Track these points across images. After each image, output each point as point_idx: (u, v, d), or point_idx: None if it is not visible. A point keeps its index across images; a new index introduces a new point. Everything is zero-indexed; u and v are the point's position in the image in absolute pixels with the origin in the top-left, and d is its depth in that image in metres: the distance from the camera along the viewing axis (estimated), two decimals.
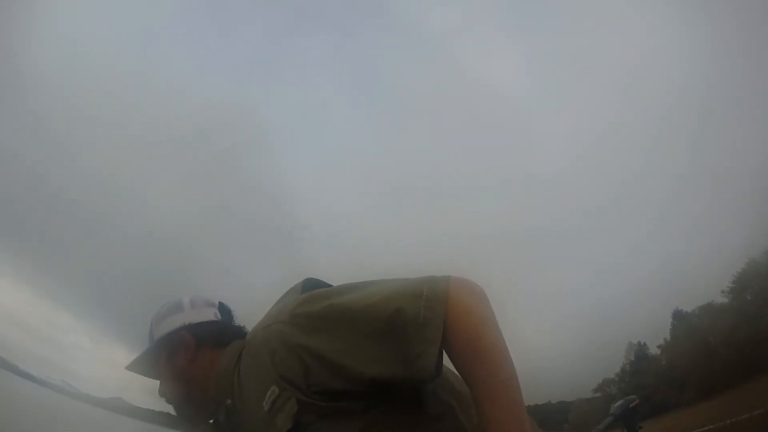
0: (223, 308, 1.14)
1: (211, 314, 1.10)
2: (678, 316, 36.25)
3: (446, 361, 0.81)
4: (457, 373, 0.82)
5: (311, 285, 0.95)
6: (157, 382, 1.09)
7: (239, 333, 1.08)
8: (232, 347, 0.99)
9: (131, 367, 1.11)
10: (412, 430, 0.81)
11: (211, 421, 1.01)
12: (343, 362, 0.78)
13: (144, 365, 1.10)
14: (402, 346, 0.76)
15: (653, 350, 38.12)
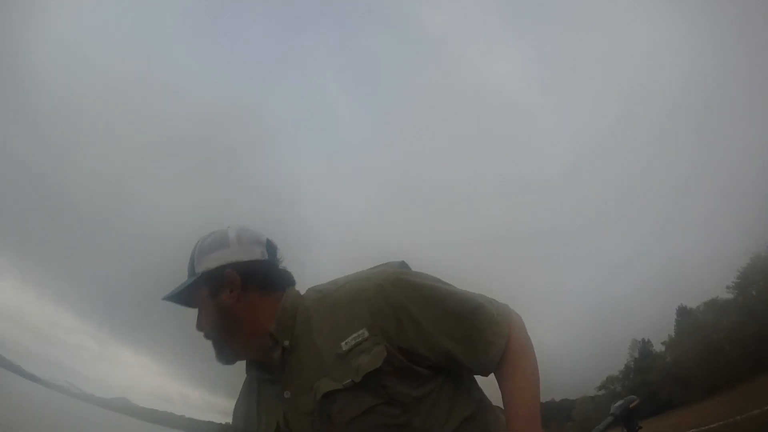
0: (270, 246, 1.06)
1: (258, 253, 1.03)
2: (682, 312, 36.11)
3: None
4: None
5: (406, 266, 1.08)
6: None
7: (288, 278, 1.06)
8: (291, 292, 1.03)
9: (168, 298, 1.03)
10: (460, 405, 0.98)
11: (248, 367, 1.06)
12: (430, 330, 0.93)
13: (182, 296, 1.03)
14: (478, 333, 0.95)
15: (657, 347, 38.06)
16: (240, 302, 0.99)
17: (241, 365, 1.06)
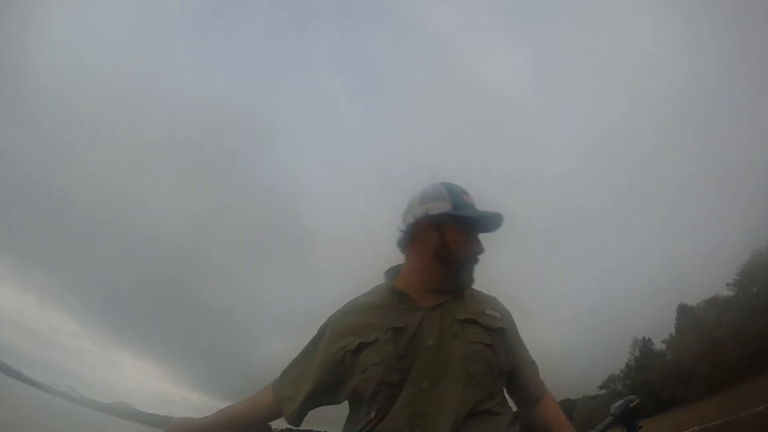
0: None
1: None
2: (683, 310, 36.11)
3: None
4: None
5: None
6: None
7: None
8: None
9: (496, 218, 1.27)
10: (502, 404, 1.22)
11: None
12: (516, 346, 1.27)
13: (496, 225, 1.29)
14: (536, 369, 1.32)
15: (658, 345, 38.06)
16: None
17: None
